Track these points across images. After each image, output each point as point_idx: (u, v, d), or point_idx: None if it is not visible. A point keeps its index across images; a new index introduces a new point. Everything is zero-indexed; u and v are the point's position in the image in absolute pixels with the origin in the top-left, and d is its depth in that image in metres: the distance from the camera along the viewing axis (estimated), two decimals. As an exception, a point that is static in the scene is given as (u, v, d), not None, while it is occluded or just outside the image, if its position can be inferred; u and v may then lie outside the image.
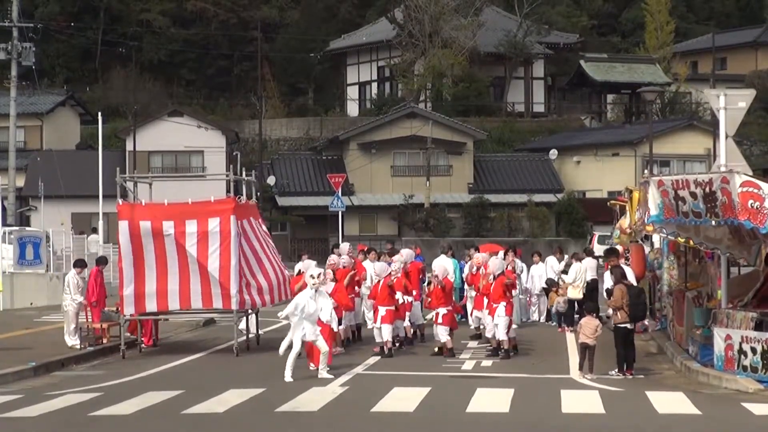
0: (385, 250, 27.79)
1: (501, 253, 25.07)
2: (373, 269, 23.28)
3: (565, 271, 27.99)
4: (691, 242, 20.53)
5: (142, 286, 22.18)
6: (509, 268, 23.45)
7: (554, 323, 27.80)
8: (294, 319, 18.97)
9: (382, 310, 21.96)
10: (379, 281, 22.41)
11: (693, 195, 17.14)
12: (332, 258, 23.52)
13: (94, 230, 45.17)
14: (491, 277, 21.85)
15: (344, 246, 25.82)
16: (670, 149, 61.19)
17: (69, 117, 71.30)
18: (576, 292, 27.20)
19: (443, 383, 18.35)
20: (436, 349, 22.14)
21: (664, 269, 24.52)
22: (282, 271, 24.19)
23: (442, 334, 21.94)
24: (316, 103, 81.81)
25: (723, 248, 19.23)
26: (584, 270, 27.29)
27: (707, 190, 16.82)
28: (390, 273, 22.36)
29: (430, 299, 22.38)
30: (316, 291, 19.21)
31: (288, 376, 18.46)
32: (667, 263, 24.53)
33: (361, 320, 24.72)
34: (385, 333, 21.86)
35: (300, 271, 22.58)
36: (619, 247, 27.31)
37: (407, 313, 23.15)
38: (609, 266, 21.82)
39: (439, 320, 21.94)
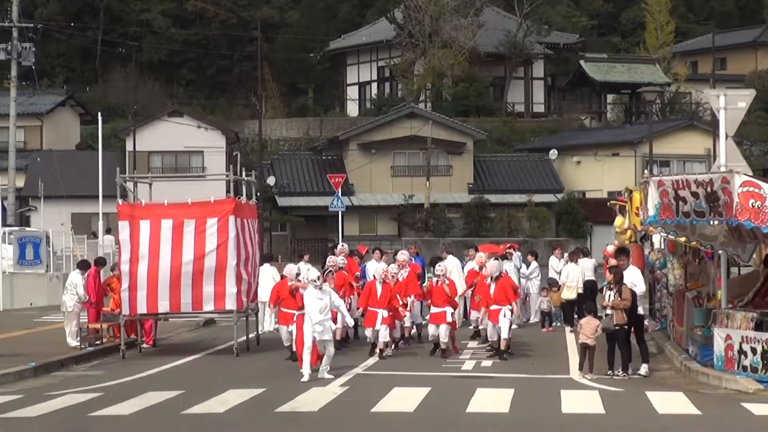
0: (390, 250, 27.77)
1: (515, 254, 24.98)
2: (374, 270, 22.99)
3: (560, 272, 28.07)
4: (688, 240, 20.48)
5: (135, 288, 22.17)
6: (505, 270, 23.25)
7: (557, 323, 27.80)
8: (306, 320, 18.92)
9: (382, 313, 21.71)
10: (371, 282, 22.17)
11: (695, 195, 17.12)
12: (332, 259, 23.48)
13: (109, 231, 45.18)
14: (489, 279, 21.66)
15: (342, 246, 25.72)
16: (670, 149, 61.16)
17: (69, 117, 71.30)
18: (569, 293, 27.22)
19: (443, 383, 18.35)
20: (436, 347, 21.98)
21: (668, 269, 24.50)
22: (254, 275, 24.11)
23: (443, 334, 21.76)
24: (316, 103, 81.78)
25: (717, 245, 19.16)
26: (578, 270, 27.30)
27: (709, 190, 16.82)
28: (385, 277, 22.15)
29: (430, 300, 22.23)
30: (320, 289, 19.03)
31: (306, 376, 18.40)
32: (670, 263, 24.51)
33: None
34: (382, 334, 21.61)
35: (282, 275, 22.42)
36: (611, 248, 27.36)
37: (408, 313, 23.03)
38: (608, 267, 21.79)
39: (448, 319, 21.62)
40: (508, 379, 18.62)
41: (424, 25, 72.59)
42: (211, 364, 21.51)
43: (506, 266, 24.56)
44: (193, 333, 27.54)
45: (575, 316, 26.60)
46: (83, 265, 24.26)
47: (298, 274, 21.75)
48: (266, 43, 74.73)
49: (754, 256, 20.02)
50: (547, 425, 14.54)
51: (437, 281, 21.91)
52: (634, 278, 20.12)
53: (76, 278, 23.67)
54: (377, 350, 21.74)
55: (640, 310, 20.04)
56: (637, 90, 66.08)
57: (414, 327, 24.12)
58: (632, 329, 19.38)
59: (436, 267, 22.42)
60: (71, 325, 23.37)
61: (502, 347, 21.37)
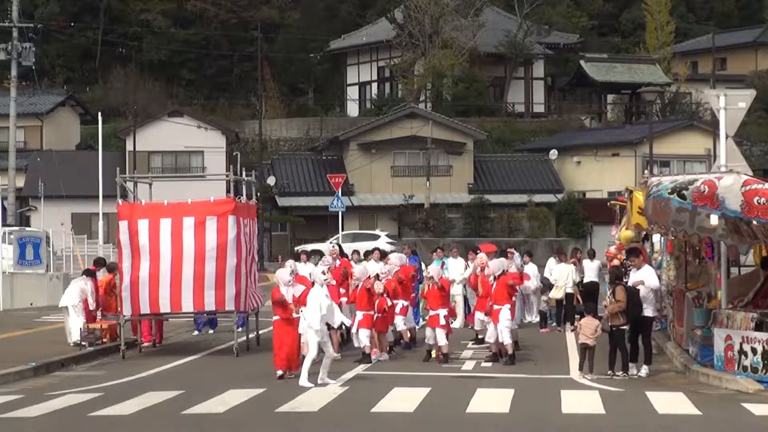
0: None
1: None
2: (358, 272, 22.05)
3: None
4: (687, 235, 20.37)
5: (137, 287, 22.16)
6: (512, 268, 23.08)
7: (553, 323, 27.80)
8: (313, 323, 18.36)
9: (359, 315, 21.12)
10: (357, 285, 21.56)
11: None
12: (325, 259, 23.39)
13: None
14: (491, 278, 21.38)
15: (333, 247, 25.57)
16: (670, 149, 61.21)
17: (69, 117, 71.35)
18: (557, 292, 27.17)
19: (443, 383, 18.35)
20: (430, 353, 21.63)
21: (663, 269, 24.51)
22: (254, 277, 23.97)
23: (440, 337, 21.19)
24: (316, 103, 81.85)
25: (716, 236, 19.00)
26: (566, 270, 27.28)
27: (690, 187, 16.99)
28: (369, 276, 21.74)
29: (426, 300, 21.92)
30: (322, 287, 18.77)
31: (305, 381, 17.87)
32: (666, 263, 24.53)
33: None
34: (362, 338, 21.08)
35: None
36: (613, 248, 27.36)
37: (402, 317, 22.58)
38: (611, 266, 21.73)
39: (441, 322, 21.04)
40: (508, 379, 18.61)
41: (424, 26, 72.65)
42: (211, 364, 21.50)
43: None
44: (193, 333, 27.50)
45: (575, 314, 26.66)
46: (91, 273, 24.12)
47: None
48: (266, 43, 74.80)
49: (751, 253, 19.98)
50: (547, 425, 14.54)
51: (431, 284, 21.58)
52: (646, 277, 19.57)
53: (88, 286, 23.46)
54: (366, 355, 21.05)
55: (651, 312, 19.81)
56: (637, 90, 66.11)
57: (408, 331, 23.86)
58: (638, 330, 19.30)
59: (427, 268, 22.15)
60: (75, 323, 23.18)
61: (509, 351, 20.77)
